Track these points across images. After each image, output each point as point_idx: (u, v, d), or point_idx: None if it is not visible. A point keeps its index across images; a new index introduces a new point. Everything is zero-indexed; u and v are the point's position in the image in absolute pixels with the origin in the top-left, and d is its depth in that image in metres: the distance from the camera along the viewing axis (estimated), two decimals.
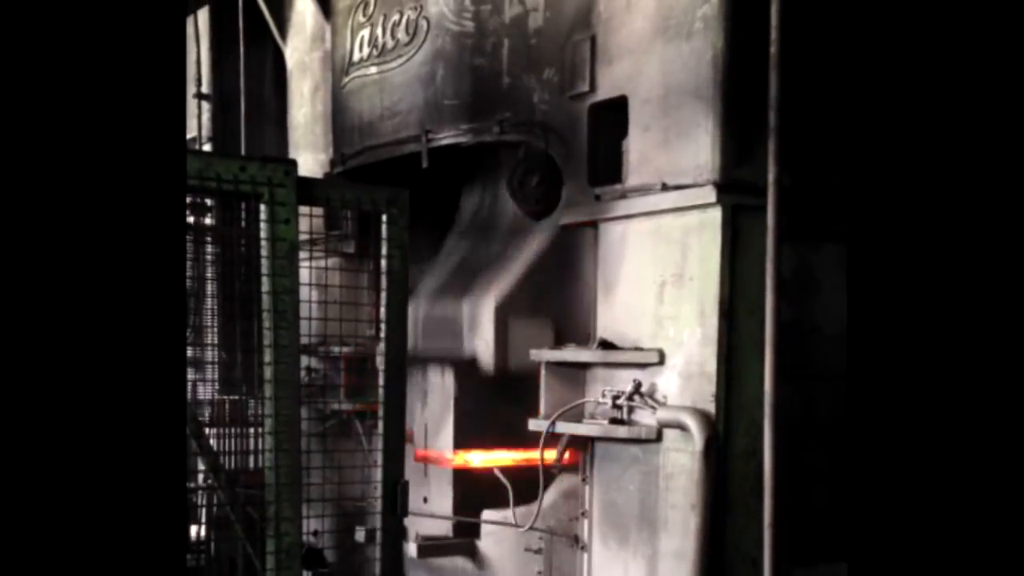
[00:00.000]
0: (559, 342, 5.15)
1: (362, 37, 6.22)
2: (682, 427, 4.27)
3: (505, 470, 5.34)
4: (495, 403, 5.59)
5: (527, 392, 5.10)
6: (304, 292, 4.15)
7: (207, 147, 8.71)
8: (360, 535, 5.25)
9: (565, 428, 4.79)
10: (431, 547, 5.56)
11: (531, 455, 5.11)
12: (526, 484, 5.07)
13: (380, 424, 4.34)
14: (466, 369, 5.64)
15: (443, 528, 5.78)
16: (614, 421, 4.57)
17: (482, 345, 5.59)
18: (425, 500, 5.91)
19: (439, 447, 5.79)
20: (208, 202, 6.30)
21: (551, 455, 4.90)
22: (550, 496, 5.16)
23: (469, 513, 5.59)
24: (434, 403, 5.78)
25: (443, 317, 5.91)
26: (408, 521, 4.64)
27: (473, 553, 5.56)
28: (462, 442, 5.63)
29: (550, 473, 4.95)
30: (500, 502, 5.25)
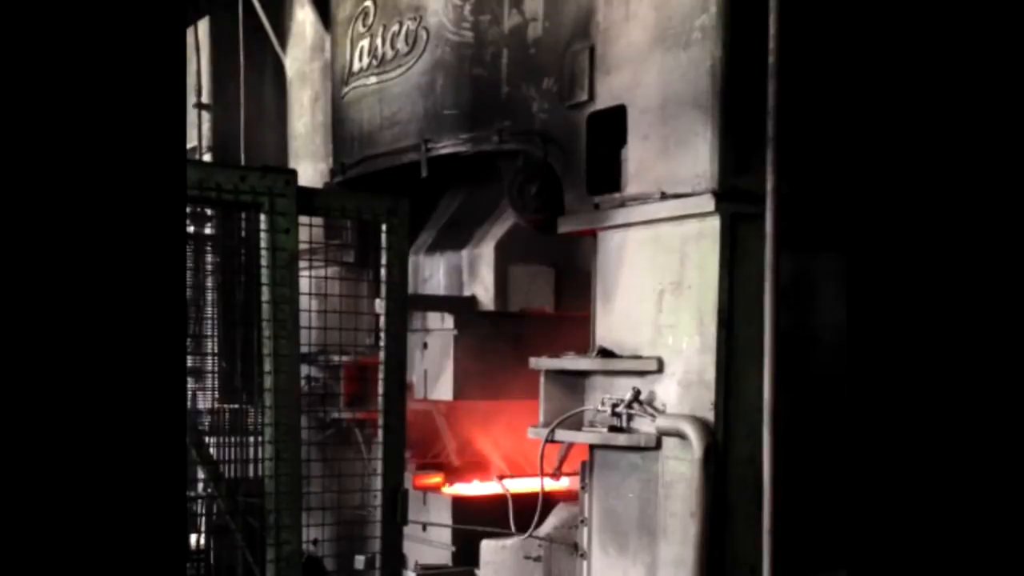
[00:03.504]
0: (560, 290, 5.14)
1: (362, 47, 6.24)
2: (681, 435, 4.27)
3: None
4: (494, 348, 5.60)
5: (527, 335, 5.08)
6: (304, 301, 4.17)
7: (207, 157, 8.73)
8: (360, 562, 5.25)
9: (564, 436, 4.79)
10: None
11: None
12: (526, 508, 5.07)
13: (380, 432, 4.35)
14: (466, 309, 5.65)
15: (443, 557, 5.79)
16: (613, 429, 4.57)
17: (481, 290, 5.60)
18: (424, 528, 5.92)
19: (439, 395, 5.78)
20: (208, 212, 6.31)
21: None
22: (552, 521, 5.17)
23: (468, 542, 5.59)
24: (433, 349, 5.77)
25: (443, 263, 5.95)
26: (407, 550, 4.65)
27: None
28: (462, 387, 5.63)
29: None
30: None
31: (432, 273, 6.08)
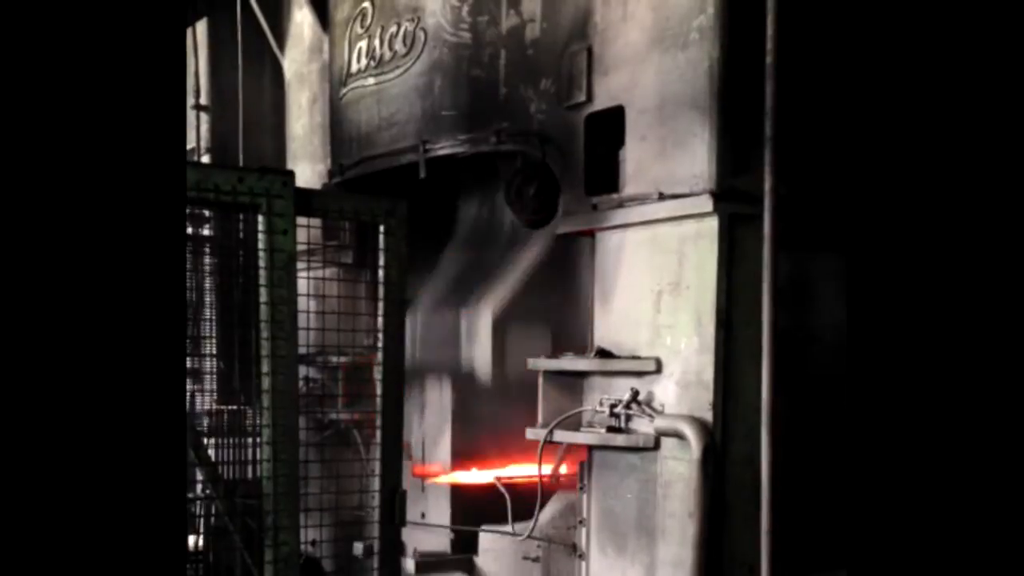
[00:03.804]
0: (557, 350, 5.16)
1: (360, 49, 6.25)
2: (679, 435, 4.28)
3: (505, 486, 5.34)
4: (494, 415, 5.59)
5: (526, 403, 5.10)
6: (302, 302, 4.16)
7: (205, 158, 8.73)
8: (358, 549, 5.25)
9: (563, 437, 4.80)
10: (429, 563, 5.56)
11: (529, 468, 5.12)
12: (524, 503, 5.06)
13: (378, 433, 4.35)
14: (464, 381, 5.64)
15: (441, 544, 5.78)
16: (611, 429, 4.58)
17: (480, 356, 5.59)
18: (423, 516, 5.92)
19: (437, 461, 5.78)
20: (206, 213, 6.31)
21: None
22: (549, 511, 5.17)
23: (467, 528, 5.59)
24: (431, 415, 5.78)
25: (441, 329, 5.92)
26: (406, 537, 4.65)
27: (471, 569, 5.56)
28: (460, 456, 5.63)
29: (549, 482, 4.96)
30: (498, 519, 5.26)
31: (431, 334, 6.04)
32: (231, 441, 5.10)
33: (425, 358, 5.98)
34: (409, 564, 5.43)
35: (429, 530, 5.84)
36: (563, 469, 5.09)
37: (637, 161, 4.62)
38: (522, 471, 5.45)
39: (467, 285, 5.95)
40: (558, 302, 5.32)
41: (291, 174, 4.12)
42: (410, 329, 5.74)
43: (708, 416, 4.25)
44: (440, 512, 5.86)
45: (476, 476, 6.00)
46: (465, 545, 5.63)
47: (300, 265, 4.16)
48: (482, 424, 5.63)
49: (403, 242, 4.40)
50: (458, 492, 5.86)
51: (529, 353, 5.16)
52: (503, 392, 5.51)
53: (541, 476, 4.85)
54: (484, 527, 5.45)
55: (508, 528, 5.15)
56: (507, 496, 5.21)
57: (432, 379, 5.76)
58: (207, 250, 6.06)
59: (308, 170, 7.20)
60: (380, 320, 4.36)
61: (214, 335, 5.71)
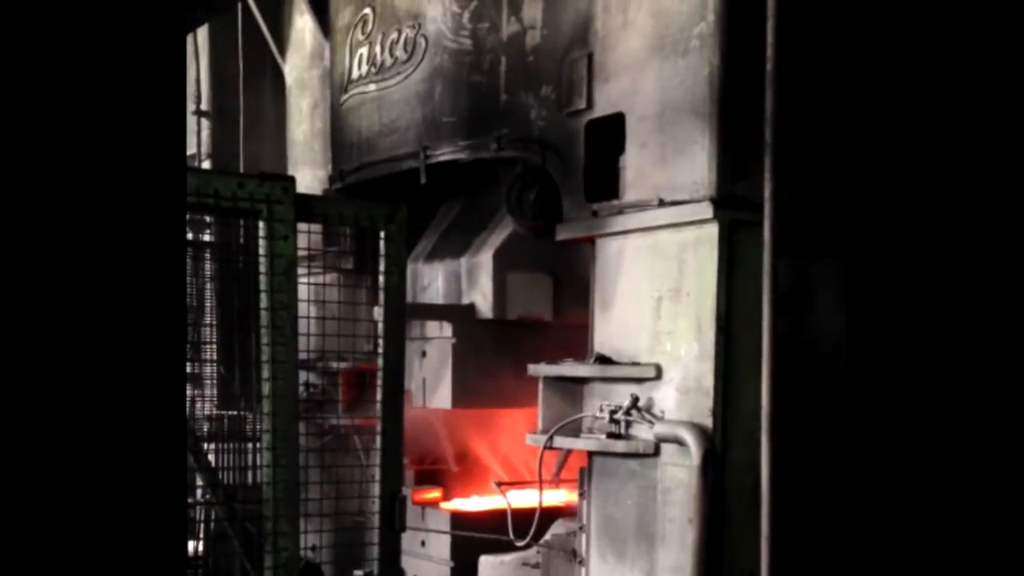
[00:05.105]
0: (558, 298, 5.16)
1: (361, 55, 6.26)
2: (679, 442, 4.28)
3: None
4: (493, 356, 5.63)
5: (525, 346, 5.10)
6: (302, 308, 4.17)
7: (206, 164, 8.75)
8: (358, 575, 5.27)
9: (563, 443, 4.80)
10: None
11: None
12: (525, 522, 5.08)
13: (378, 439, 4.35)
14: (464, 317, 5.68)
15: (442, 573, 5.79)
16: (611, 436, 4.57)
17: (479, 298, 5.62)
18: (423, 544, 5.92)
19: (437, 403, 5.81)
20: (207, 218, 6.32)
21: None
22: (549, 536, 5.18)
23: (467, 557, 5.60)
24: (432, 355, 5.80)
25: (441, 270, 5.97)
26: (405, 565, 4.65)
27: None
28: (461, 395, 5.66)
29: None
30: (498, 546, 5.26)
31: (431, 281, 6.09)
32: (231, 446, 5.10)
33: (425, 300, 6.04)
34: None
35: (430, 559, 5.86)
36: (564, 496, 5.10)
37: (637, 168, 4.62)
38: (523, 496, 5.47)
39: (467, 231, 5.98)
40: (558, 247, 5.32)
41: (292, 180, 4.13)
42: (411, 274, 5.80)
43: (708, 422, 4.25)
44: (440, 539, 5.88)
45: (476, 503, 6.02)
46: (466, 573, 5.64)
47: (300, 271, 4.17)
48: (483, 365, 5.68)
49: (403, 248, 4.41)
50: (459, 519, 5.88)
51: (529, 295, 5.17)
52: (503, 333, 5.55)
53: (541, 481, 4.85)
54: (483, 559, 5.45)
55: (509, 539, 5.14)
56: (508, 505, 5.21)
57: (432, 321, 5.79)
58: (207, 255, 6.07)
59: (309, 176, 7.21)
60: (380, 325, 4.37)
61: (214, 340, 5.72)
